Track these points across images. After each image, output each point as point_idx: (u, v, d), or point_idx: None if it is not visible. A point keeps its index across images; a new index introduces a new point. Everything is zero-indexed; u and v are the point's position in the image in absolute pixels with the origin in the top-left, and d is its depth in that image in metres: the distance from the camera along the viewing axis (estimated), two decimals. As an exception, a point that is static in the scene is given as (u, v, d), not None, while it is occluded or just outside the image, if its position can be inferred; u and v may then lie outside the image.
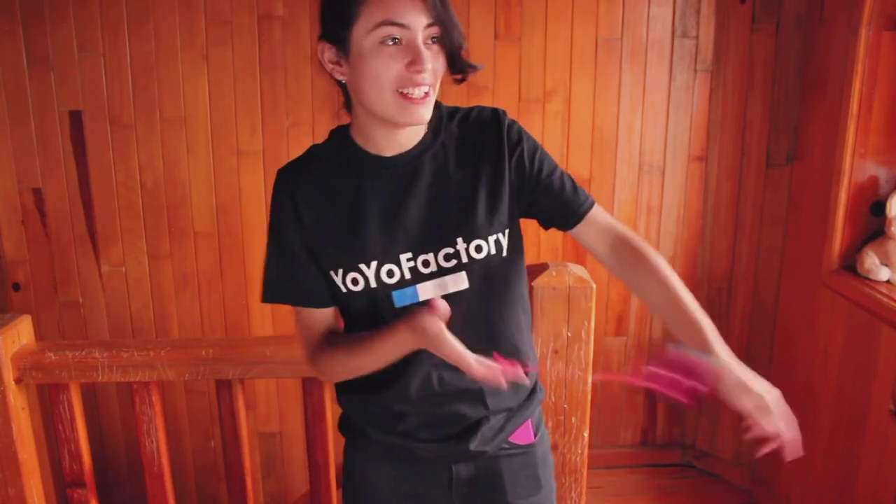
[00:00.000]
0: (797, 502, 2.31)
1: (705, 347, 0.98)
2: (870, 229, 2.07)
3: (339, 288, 1.06)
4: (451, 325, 1.02)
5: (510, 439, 1.15)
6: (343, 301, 1.09)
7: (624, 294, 2.62)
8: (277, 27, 2.29)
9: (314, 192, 1.06)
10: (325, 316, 1.11)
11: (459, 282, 1.04)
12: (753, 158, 2.44)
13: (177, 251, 2.44)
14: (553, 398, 1.46)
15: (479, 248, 1.03)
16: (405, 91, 0.96)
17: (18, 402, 1.43)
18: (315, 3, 2.56)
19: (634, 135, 2.49)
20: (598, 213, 1.13)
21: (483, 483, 1.14)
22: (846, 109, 2.00)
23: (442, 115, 1.09)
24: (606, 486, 2.65)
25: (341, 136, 1.09)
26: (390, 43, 0.94)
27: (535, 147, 1.09)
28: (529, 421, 1.17)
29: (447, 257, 1.03)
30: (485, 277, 1.05)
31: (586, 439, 1.50)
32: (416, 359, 1.05)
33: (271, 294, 1.10)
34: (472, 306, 1.05)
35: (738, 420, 0.92)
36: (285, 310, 2.47)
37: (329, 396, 1.51)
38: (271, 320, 2.51)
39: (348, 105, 1.06)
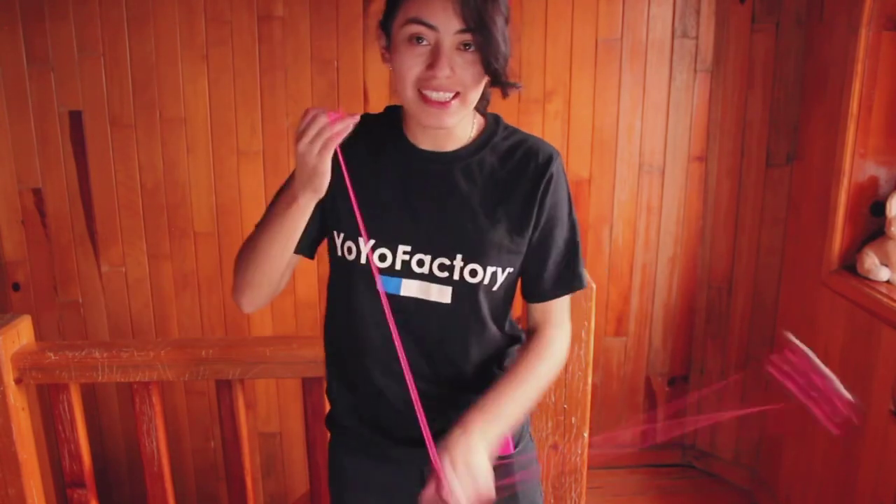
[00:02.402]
0: (797, 502, 2.31)
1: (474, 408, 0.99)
2: (870, 229, 2.07)
3: (336, 249, 1.07)
4: (429, 332, 1.04)
5: None
6: (336, 266, 1.09)
7: (624, 294, 2.62)
8: (277, 27, 2.29)
9: (347, 153, 1.04)
10: None
11: (443, 294, 1.04)
12: (753, 158, 2.44)
13: (177, 251, 2.44)
14: (553, 398, 1.46)
15: (473, 273, 1.03)
16: (425, 92, 0.95)
17: (18, 402, 1.43)
18: (315, 4, 2.56)
19: (634, 135, 2.49)
20: (550, 305, 1.11)
21: None
22: (846, 109, 2.00)
23: (496, 130, 1.08)
24: (606, 486, 2.65)
25: (391, 114, 1.10)
26: (416, 42, 0.93)
27: (561, 213, 1.07)
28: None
29: (441, 267, 1.03)
30: (469, 302, 1.05)
31: (586, 439, 1.50)
32: (388, 352, 1.05)
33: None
34: (448, 323, 1.05)
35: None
36: (285, 310, 2.49)
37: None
38: (271, 320, 2.51)
39: None
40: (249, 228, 1.09)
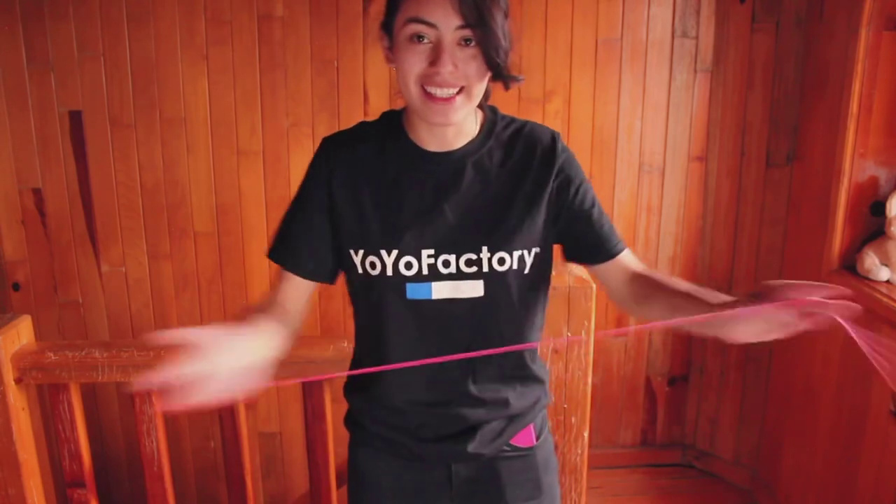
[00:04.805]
0: (797, 502, 2.31)
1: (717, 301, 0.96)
2: (870, 229, 2.07)
3: (356, 268, 1.05)
4: (462, 330, 1.04)
5: (511, 442, 1.15)
6: (358, 285, 1.09)
7: (624, 294, 2.62)
8: (277, 27, 2.29)
9: (353, 167, 1.06)
10: (296, 292, 1.09)
11: (475, 289, 1.04)
12: (753, 158, 2.44)
13: (177, 251, 2.44)
14: (553, 398, 1.46)
15: (501, 261, 1.03)
16: (429, 89, 0.96)
17: (18, 402, 1.43)
18: (315, 4, 2.56)
19: (634, 135, 2.49)
20: (627, 255, 1.16)
21: (482, 484, 1.15)
22: (846, 109, 2.00)
23: (496, 121, 1.10)
24: (606, 486, 2.65)
25: (392, 120, 1.10)
26: (417, 40, 0.95)
27: (582, 178, 1.12)
28: (531, 425, 1.17)
29: (468, 263, 1.03)
30: (502, 290, 1.05)
31: (586, 439, 1.50)
32: (418, 358, 1.05)
33: (274, 252, 1.10)
34: (484, 316, 1.06)
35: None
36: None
37: (329, 397, 1.51)
38: (271, 320, 2.51)
39: None
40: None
